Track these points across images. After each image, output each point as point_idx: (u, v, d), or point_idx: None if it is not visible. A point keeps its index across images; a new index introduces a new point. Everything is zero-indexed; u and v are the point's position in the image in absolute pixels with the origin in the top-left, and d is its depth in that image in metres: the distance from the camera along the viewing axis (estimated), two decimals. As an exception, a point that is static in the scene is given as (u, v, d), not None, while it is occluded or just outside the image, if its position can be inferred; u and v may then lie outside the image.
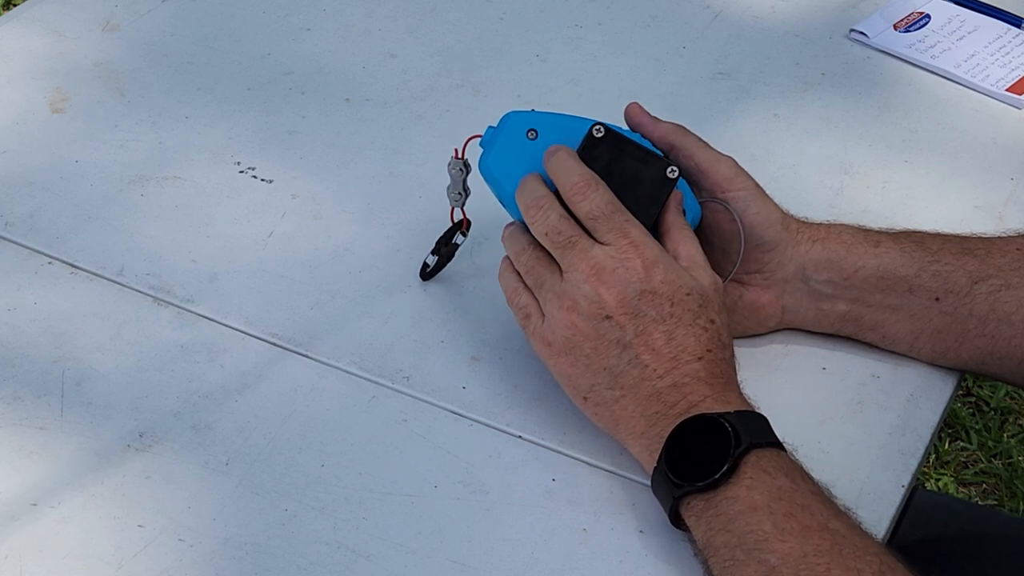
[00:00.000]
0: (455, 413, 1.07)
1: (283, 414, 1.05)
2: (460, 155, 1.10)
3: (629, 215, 1.02)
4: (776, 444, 0.95)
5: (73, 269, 1.16)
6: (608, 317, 0.99)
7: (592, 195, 1.02)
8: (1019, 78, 1.42)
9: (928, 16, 1.50)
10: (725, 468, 0.92)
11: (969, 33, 1.48)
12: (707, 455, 0.94)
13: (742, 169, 1.09)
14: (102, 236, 1.18)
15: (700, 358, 0.99)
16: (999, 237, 1.13)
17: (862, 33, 1.47)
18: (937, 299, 1.09)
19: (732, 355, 1.02)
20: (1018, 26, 1.49)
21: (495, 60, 1.41)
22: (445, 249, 1.14)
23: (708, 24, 1.47)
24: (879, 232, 1.11)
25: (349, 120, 1.32)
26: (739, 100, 1.38)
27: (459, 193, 1.11)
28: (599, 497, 1.01)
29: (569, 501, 1.01)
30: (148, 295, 1.14)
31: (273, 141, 1.29)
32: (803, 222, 1.11)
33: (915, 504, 1.25)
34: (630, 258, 1.00)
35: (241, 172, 1.25)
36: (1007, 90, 1.41)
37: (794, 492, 0.91)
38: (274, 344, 1.11)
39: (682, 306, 0.99)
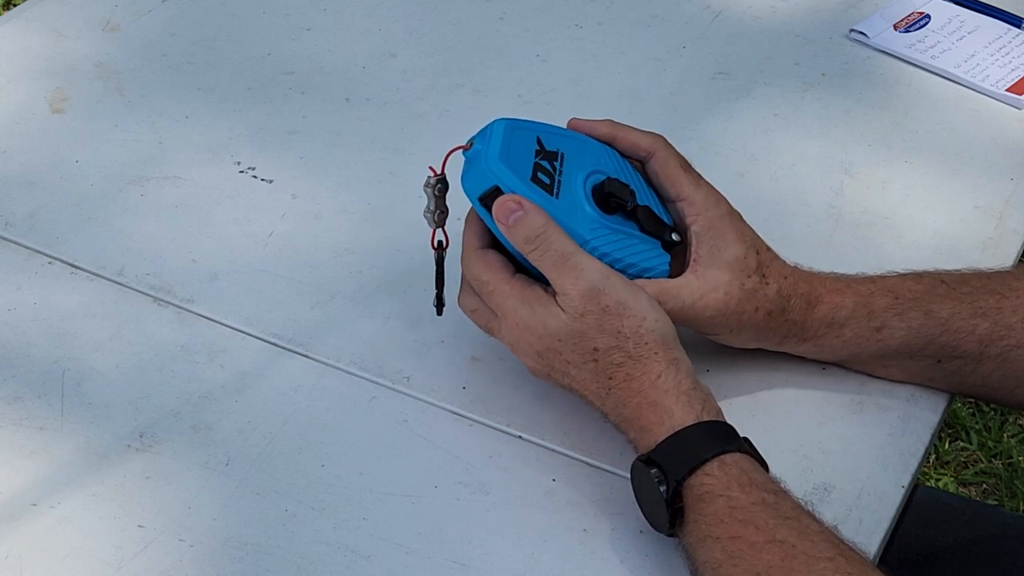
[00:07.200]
0: (455, 413, 1.07)
1: (283, 414, 1.05)
2: (441, 171, 1.03)
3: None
4: (704, 458, 0.94)
5: (73, 269, 1.15)
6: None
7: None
8: (1019, 78, 1.42)
9: (928, 16, 1.50)
10: (668, 521, 0.94)
11: (969, 33, 1.48)
12: (652, 504, 0.96)
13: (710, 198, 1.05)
14: (102, 236, 1.18)
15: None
16: (1013, 281, 1.08)
17: (862, 33, 1.46)
18: (939, 361, 1.07)
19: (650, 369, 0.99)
20: (1018, 26, 1.49)
21: (495, 60, 1.41)
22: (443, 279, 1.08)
23: (708, 24, 1.47)
24: (884, 311, 1.05)
25: (349, 120, 1.32)
26: (739, 100, 1.38)
27: (441, 212, 1.04)
28: (599, 497, 1.01)
29: (569, 501, 1.01)
30: (148, 295, 1.14)
31: (273, 141, 1.29)
32: (787, 305, 1.05)
33: (916, 503, 1.25)
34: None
35: (241, 172, 1.25)
36: (1007, 90, 1.41)
37: (734, 511, 0.92)
38: (274, 344, 1.11)
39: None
